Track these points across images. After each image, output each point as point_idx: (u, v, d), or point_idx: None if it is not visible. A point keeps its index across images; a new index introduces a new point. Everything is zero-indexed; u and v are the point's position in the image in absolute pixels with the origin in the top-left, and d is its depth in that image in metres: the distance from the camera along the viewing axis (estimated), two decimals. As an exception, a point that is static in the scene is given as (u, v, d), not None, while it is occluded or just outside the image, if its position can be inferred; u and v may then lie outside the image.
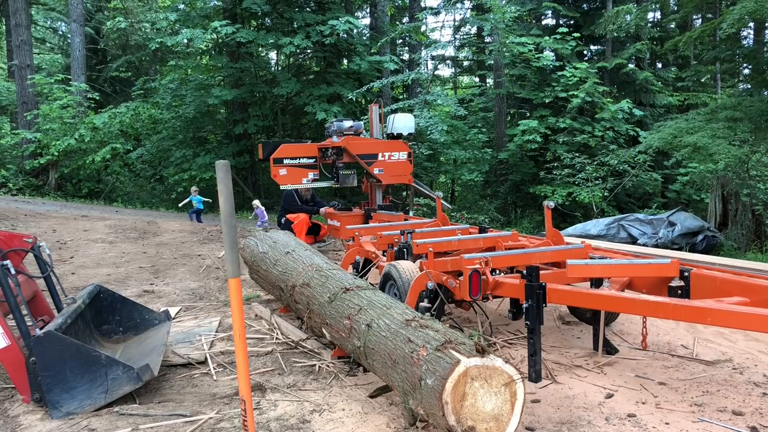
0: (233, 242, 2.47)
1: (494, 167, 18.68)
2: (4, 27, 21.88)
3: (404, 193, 10.10)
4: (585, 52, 19.03)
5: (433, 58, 20.88)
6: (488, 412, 2.46)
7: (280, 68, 20.75)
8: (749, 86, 16.79)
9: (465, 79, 29.77)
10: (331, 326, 3.73)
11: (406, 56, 23.74)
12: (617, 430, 2.97)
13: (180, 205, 14.82)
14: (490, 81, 24.00)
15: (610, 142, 15.53)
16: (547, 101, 16.30)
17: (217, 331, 4.71)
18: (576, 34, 16.24)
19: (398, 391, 2.88)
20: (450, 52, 20.39)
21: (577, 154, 15.15)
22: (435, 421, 2.56)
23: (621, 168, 14.88)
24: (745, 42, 15.95)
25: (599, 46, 19.58)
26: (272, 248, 5.07)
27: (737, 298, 3.13)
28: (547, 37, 16.29)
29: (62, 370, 3.18)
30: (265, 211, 14.00)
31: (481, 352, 2.51)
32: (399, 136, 8.60)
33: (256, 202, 14.14)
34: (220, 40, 16.93)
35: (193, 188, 14.53)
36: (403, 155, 8.32)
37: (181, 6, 19.57)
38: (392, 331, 3.02)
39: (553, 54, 17.24)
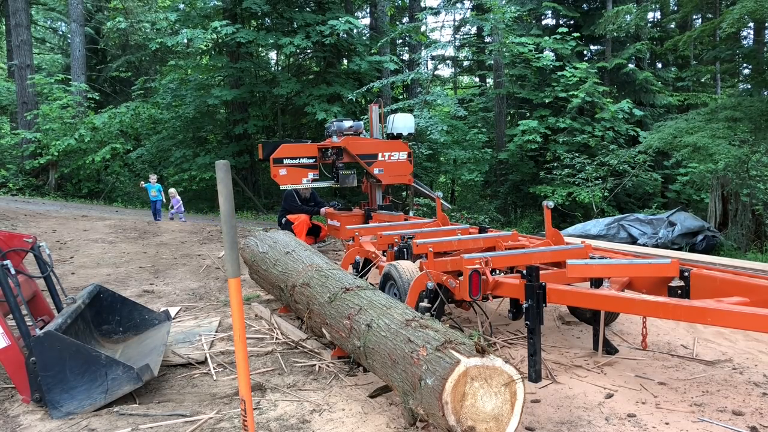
0: (233, 242, 2.47)
1: (494, 167, 18.68)
2: (4, 27, 21.88)
3: (404, 193, 10.11)
4: (585, 52, 19.03)
5: (433, 58, 20.87)
6: (488, 412, 2.46)
7: (280, 68, 20.76)
8: (749, 86, 16.78)
9: (465, 79, 29.77)
10: (331, 326, 3.72)
11: (406, 56, 23.74)
12: (617, 430, 2.97)
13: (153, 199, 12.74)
14: (490, 81, 24.00)
15: (610, 142, 15.53)
16: (547, 101, 16.29)
17: (217, 331, 4.71)
18: (576, 34, 16.23)
19: (398, 391, 2.88)
20: (450, 52, 20.38)
21: (577, 154, 15.14)
22: (435, 421, 2.55)
23: (621, 168, 14.87)
24: (745, 42, 15.95)
25: (599, 46, 19.57)
26: (272, 248, 5.07)
27: (737, 298, 3.13)
28: (547, 37, 16.28)
29: (62, 370, 3.18)
30: (181, 202, 13.51)
31: (481, 352, 2.51)
32: (399, 136, 8.60)
33: (173, 191, 13.60)
34: (220, 40, 16.93)
35: (152, 175, 13.04)
36: (403, 155, 8.32)
37: (181, 6, 19.57)
38: (392, 331, 3.02)
39: (553, 54, 17.23)
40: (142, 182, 13.23)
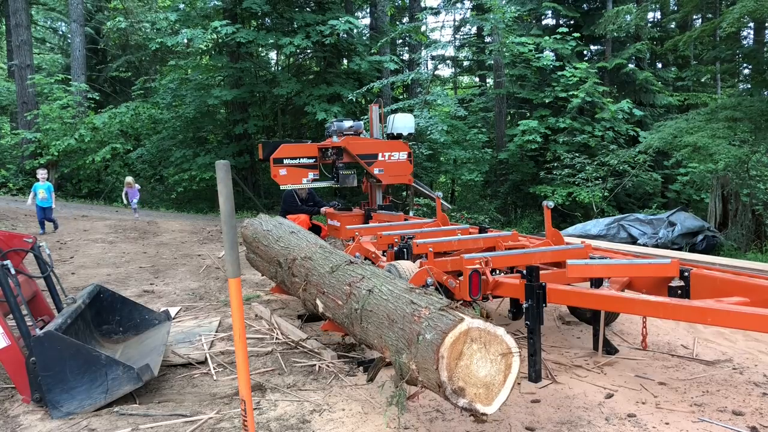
0: (233, 242, 2.47)
1: (494, 167, 18.67)
2: (4, 27, 21.88)
3: (404, 193, 10.09)
4: (585, 52, 19.02)
5: (433, 58, 20.88)
6: (480, 378, 2.43)
7: (280, 68, 20.75)
8: (749, 86, 16.78)
9: (465, 79, 29.76)
10: (327, 294, 3.66)
11: (406, 56, 23.73)
12: (617, 430, 2.97)
13: (29, 201, 10.59)
14: (490, 81, 23.99)
15: (610, 142, 15.52)
16: (547, 101, 16.29)
17: (217, 331, 4.71)
18: (576, 34, 16.23)
19: (389, 351, 2.83)
20: (450, 52, 20.39)
21: (577, 154, 15.14)
22: (425, 377, 2.50)
23: (621, 168, 14.86)
24: (745, 42, 15.95)
25: (599, 46, 19.56)
26: (276, 227, 5.04)
27: (737, 298, 3.13)
28: (547, 37, 16.28)
29: (62, 370, 3.18)
30: (138, 195, 12.59)
31: (485, 317, 2.49)
32: (399, 136, 8.60)
33: (130, 179, 12.58)
34: (220, 40, 16.92)
35: (41, 170, 10.94)
36: (403, 155, 8.32)
37: (181, 6, 19.56)
38: (395, 295, 2.99)
39: (553, 54, 17.23)
40: (40, 175, 10.75)
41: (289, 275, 4.35)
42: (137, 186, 12.92)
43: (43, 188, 10.24)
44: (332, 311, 3.64)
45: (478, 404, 2.41)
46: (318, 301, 3.83)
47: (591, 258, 4.31)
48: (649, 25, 19.28)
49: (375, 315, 3.02)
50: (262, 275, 5.37)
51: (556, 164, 15.42)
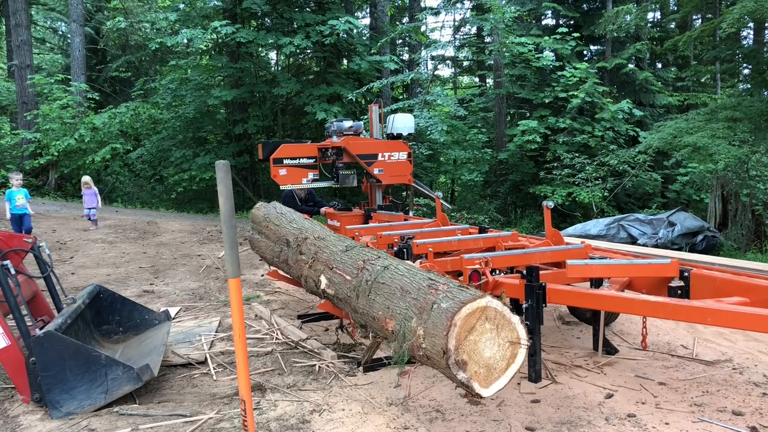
0: (233, 242, 2.47)
1: (494, 167, 18.67)
2: (4, 27, 21.89)
3: (404, 193, 10.10)
4: (585, 52, 19.02)
5: (433, 58, 20.86)
6: (484, 358, 2.43)
7: (280, 68, 20.75)
8: (749, 86, 16.77)
9: (465, 79, 29.76)
10: (335, 270, 3.58)
11: (406, 56, 23.73)
12: (617, 430, 2.97)
13: (7, 214, 9.22)
14: (490, 81, 23.99)
15: (610, 142, 15.52)
16: (547, 101, 16.29)
17: (217, 331, 4.71)
18: (576, 34, 16.23)
19: (394, 321, 2.80)
20: (450, 52, 20.38)
21: (577, 154, 15.14)
22: (431, 343, 2.49)
23: (621, 168, 14.87)
24: (745, 42, 15.94)
25: (599, 46, 19.57)
26: (291, 213, 5.01)
27: (737, 298, 3.12)
28: (547, 37, 16.28)
29: (62, 370, 3.19)
30: (98, 194, 10.81)
31: (504, 304, 2.50)
32: (399, 136, 8.60)
33: (87, 179, 10.90)
34: (220, 40, 16.92)
35: (15, 174, 9.59)
36: (403, 155, 8.32)
37: (181, 6, 19.57)
38: (411, 272, 2.96)
39: (553, 54, 17.23)
40: (14, 179, 9.43)
41: (296, 253, 4.25)
42: (95, 189, 10.88)
43: (21, 194, 9.17)
44: (336, 286, 3.56)
45: (476, 383, 2.41)
46: (322, 277, 3.73)
47: (591, 258, 4.31)
48: (649, 25, 19.28)
49: (387, 287, 2.99)
50: (261, 258, 5.28)
51: (555, 164, 15.42)
